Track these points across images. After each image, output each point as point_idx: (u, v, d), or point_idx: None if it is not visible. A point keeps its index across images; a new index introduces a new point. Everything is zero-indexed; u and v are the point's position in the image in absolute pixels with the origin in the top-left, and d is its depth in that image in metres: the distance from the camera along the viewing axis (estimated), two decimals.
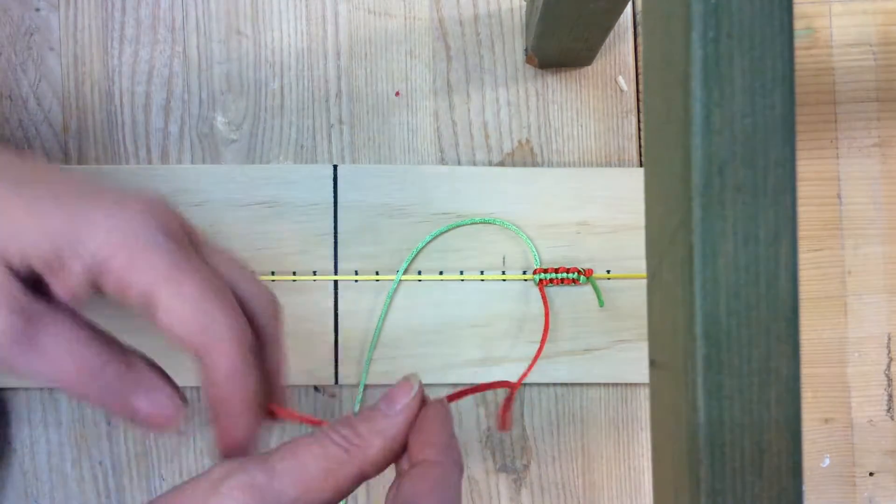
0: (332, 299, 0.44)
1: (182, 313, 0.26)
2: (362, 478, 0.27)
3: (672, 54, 0.23)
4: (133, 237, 0.25)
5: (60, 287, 0.26)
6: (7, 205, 0.25)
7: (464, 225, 0.45)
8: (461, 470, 0.27)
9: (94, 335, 0.27)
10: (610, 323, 0.45)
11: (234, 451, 0.28)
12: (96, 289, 0.26)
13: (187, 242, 0.27)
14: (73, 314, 0.27)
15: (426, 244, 0.44)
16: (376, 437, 0.27)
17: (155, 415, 0.28)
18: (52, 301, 0.26)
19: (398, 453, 0.28)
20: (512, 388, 0.33)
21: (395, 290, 0.44)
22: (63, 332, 0.26)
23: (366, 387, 0.45)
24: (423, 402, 0.28)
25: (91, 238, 0.25)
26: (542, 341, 0.44)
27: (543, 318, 0.44)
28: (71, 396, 0.28)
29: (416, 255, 0.44)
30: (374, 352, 0.44)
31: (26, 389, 0.44)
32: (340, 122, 0.47)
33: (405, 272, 0.44)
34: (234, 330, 0.27)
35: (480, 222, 0.45)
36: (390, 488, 0.28)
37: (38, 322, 0.26)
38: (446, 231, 0.45)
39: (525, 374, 0.43)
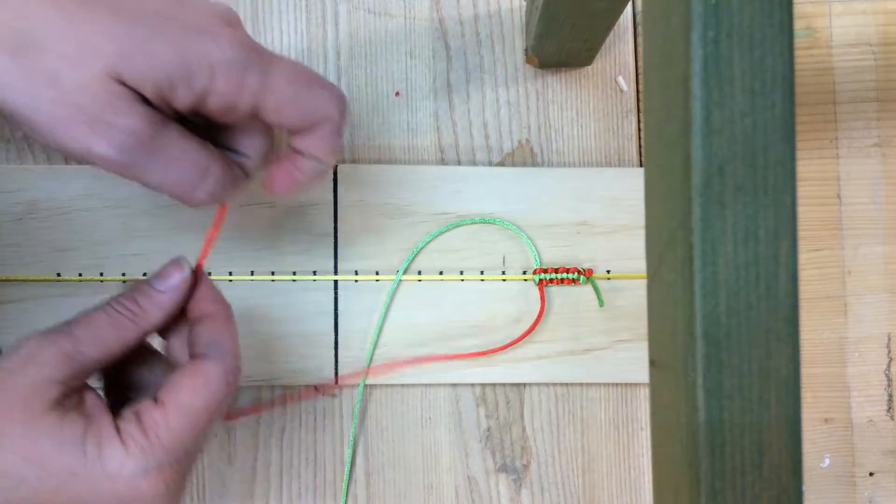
0: (332, 299, 0.44)
1: (288, 111, 0.31)
2: (147, 335, 0.33)
3: (672, 54, 0.23)
4: (232, 63, 0.29)
5: (167, 108, 0.30)
6: (114, 30, 0.28)
7: (464, 225, 0.45)
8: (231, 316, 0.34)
9: (200, 142, 0.31)
10: (610, 323, 0.45)
11: (292, 189, 0.34)
12: (198, 108, 0.30)
13: (260, 48, 0.31)
14: (179, 125, 0.31)
15: (426, 244, 0.44)
16: (155, 308, 0.33)
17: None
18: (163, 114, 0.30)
19: (175, 314, 0.33)
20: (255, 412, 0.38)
21: (395, 290, 0.44)
22: (179, 140, 0.30)
23: (366, 387, 0.45)
24: (195, 277, 0.34)
25: (199, 69, 0.29)
26: (525, 333, 0.44)
27: (543, 318, 0.44)
28: (176, 198, 0.33)
29: (415, 255, 0.44)
30: (375, 352, 0.44)
31: None
32: None
33: (405, 272, 0.44)
34: (329, 110, 0.32)
35: (480, 222, 0.45)
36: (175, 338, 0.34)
37: (159, 130, 0.30)
38: (446, 231, 0.45)
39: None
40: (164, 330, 0.34)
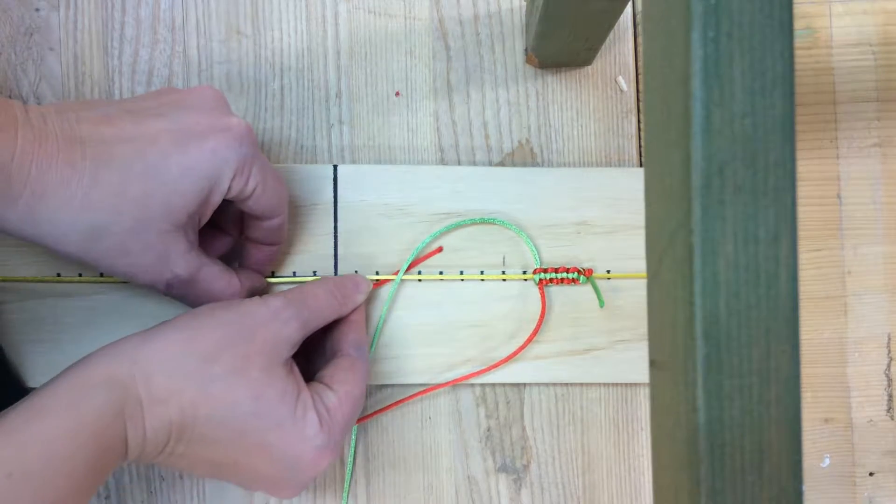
0: None
1: (267, 200, 0.38)
2: (336, 319, 0.41)
3: (672, 54, 0.23)
4: (240, 168, 0.36)
5: (202, 217, 0.37)
6: (141, 188, 0.34)
7: (464, 225, 0.45)
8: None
9: (225, 270, 0.39)
10: (610, 323, 0.45)
11: (259, 278, 0.42)
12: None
13: (253, 138, 0.37)
14: (213, 261, 0.38)
15: (426, 244, 0.44)
16: (351, 302, 0.41)
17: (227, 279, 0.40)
18: (199, 247, 0.38)
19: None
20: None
21: (396, 290, 0.44)
22: (210, 274, 0.38)
23: (366, 386, 0.45)
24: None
25: (225, 182, 0.36)
26: (530, 338, 0.44)
27: (543, 318, 0.44)
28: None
29: (416, 255, 0.44)
30: (375, 352, 0.44)
31: (27, 389, 0.44)
32: (340, 122, 0.47)
33: (405, 272, 0.44)
34: (285, 201, 0.40)
35: (480, 222, 0.45)
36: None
37: (199, 269, 0.37)
38: (446, 231, 0.45)
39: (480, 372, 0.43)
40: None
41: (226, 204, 0.38)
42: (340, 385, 0.38)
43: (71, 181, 0.33)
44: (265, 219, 0.39)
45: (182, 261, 0.36)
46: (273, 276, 0.44)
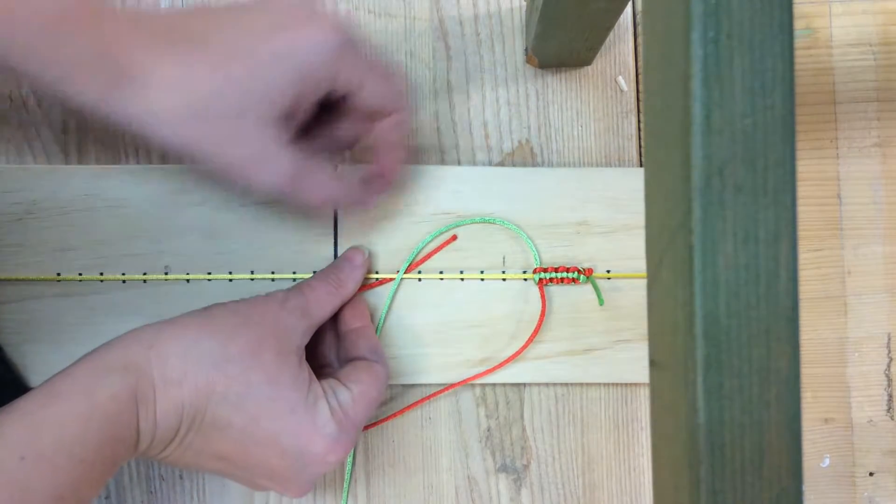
0: None
1: (375, 92, 0.37)
2: (340, 307, 0.41)
3: (672, 54, 0.23)
4: (333, 59, 0.35)
5: (303, 115, 0.37)
6: (242, 72, 0.34)
7: (464, 225, 0.45)
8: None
9: (330, 169, 0.39)
10: (610, 323, 0.45)
11: (384, 183, 0.42)
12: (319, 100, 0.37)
13: (348, 33, 0.36)
14: (317, 160, 0.38)
15: (426, 244, 0.44)
16: (350, 282, 0.42)
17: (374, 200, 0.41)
18: (305, 144, 0.37)
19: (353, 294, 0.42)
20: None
21: (396, 290, 0.44)
22: (313, 172, 0.37)
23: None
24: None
25: (322, 69, 0.35)
26: (530, 338, 0.44)
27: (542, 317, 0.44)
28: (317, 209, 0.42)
29: (416, 255, 0.44)
30: None
31: (27, 389, 0.44)
32: None
33: (405, 272, 0.44)
34: (403, 90, 0.39)
35: (480, 222, 0.45)
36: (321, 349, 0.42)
37: (306, 154, 0.37)
38: (446, 231, 0.45)
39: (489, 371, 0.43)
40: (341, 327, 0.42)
41: (343, 107, 0.38)
42: (356, 384, 0.38)
43: (175, 59, 0.33)
44: (381, 116, 0.38)
45: (282, 155, 0.36)
46: (273, 275, 0.44)
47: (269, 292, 0.39)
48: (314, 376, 0.37)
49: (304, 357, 0.37)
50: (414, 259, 0.44)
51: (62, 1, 0.32)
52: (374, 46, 0.38)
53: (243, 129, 0.35)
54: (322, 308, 0.40)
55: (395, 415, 0.44)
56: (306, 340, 0.38)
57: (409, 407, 0.45)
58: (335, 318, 0.42)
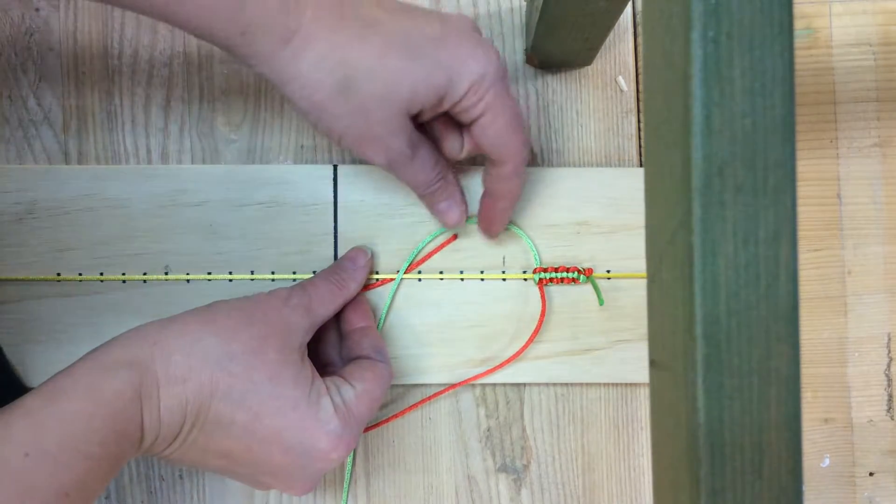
0: None
1: (495, 133, 0.38)
2: (342, 306, 0.41)
3: (672, 54, 0.23)
4: (484, 77, 0.36)
5: (427, 116, 0.38)
6: (408, 73, 0.35)
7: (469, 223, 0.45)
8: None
9: (438, 159, 0.40)
10: (610, 323, 0.45)
11: (493, 230, 0.44)
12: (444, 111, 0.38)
13: (504, 74, 0.37)
14: (429, 144, 0.39)
15: (426, 244, 0.44)
16: (353, 282, 0.42)
17: (446, 214, 0.42)
18: (418, 129, 0.39)
19: (358, 292, 0.43)
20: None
21: (396, 290, 0.44)
22: (425, 156, 0.39)
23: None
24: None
25: (461, 85, 0.36)
26: (531, 338, 0.44)
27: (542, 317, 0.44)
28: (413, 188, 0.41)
29: (416, 256, 0.44)
30: None
31: (26, 389, 0.44)
32: None
33: (405, 272, 0.44)
34: (523, 151, 0.40)
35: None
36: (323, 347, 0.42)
37: (414, 148, 0.38)
38: (446, 231, 0.45)
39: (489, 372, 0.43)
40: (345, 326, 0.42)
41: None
42: (359, 382, 0.38)
43: (340, 32, 0.35)
44: (494, 160, 0.39)
45: (408, 138, 0.38)
46: (273, 275, 0.44)
47: (272, 290, 0.39)
48: (317, 373, 0.37)
49: (306, 354, 0.37)
50: (414, 259, 0.44)
51: None
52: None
53: (385, 111, 0.36)
54: (325, 306, 0.40)
55: (396, 416, 0.44)
56: (308, 338, 0.38)
57: (409, 408, 0.45)
58: (338, 318, 0.42)
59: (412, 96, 0.36)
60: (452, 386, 0.44)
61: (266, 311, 0.37)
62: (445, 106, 0.37)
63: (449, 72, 0.36)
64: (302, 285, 0.40)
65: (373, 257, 0.44)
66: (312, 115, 0.36)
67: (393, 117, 0.36)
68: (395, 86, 0.35)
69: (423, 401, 0.45)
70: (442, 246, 0.45)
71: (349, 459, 0.44)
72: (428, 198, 0.42)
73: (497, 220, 0.43)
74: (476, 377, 0.44)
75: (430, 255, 0.44)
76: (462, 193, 0.43)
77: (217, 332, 0.35)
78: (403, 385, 0.45)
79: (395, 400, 0.45)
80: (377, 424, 0.45)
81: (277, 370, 0.35)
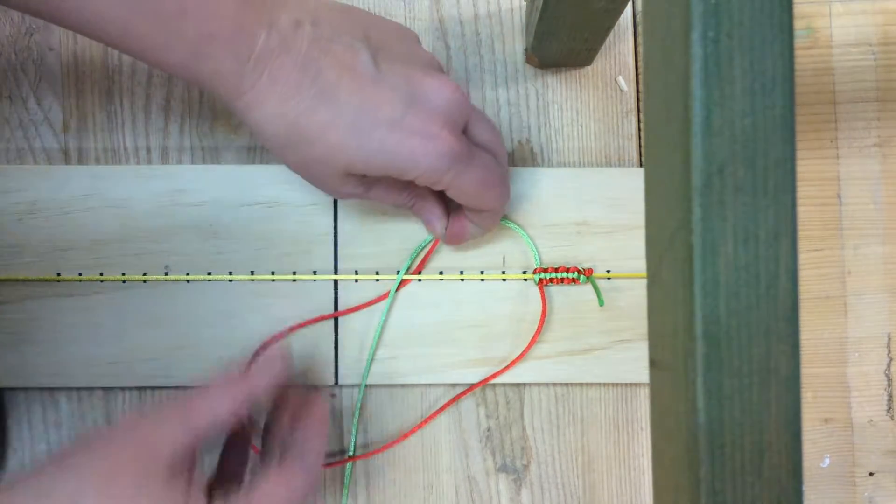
0: (333, 299, 0.44)
1: (467, 200, 0.39)
2: (243, 401, 0.35)
3: (672, 54, 0.23)
4: (435, 169, 0.36)
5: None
6: (338, 138, 0.35)
7: None
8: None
9: (401, 188, 0.40)
10: (610, 323, 0.45)
11: (457, 243, 0.43)
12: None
13: (465, 150, 0.37)
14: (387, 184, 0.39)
15: (427, 244, 0.44)
16: (260, 374, 0.36)
17: (428, 226, 0.42)
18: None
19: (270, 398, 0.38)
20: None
21: (396, 290, 0.44)
22: (386, 187, 0.39)
23: (366, 386, 0.45)
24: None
25: (408, 170, 0.36)
26: (533, 339, 0.44)
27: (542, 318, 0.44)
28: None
29: (416, 255, 0.44)
30: (376, 353, 0.44)
31: (25, 389, 0.44)
32: None
33: (406, 272, 0.44)
34: (499, 205, 0.41)
35: None
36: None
37: (368, 186, 0.39)
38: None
39: (494, 375, 0.43)
40: (264, 425, 0.38)
41: None
42: (259, 495, 0.34)
43: (291, 100, 0.35)
44: (470, 204, 0.40)
45: (358, 182, 0.38)
46: (273, 275, 0.44)
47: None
48: (196, 488, 0.33)
49: (185, 469, 0.33)
50: (412, 263, 0.44)
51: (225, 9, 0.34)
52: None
53: (325, 173, 0.37)
54: (210, 407, 0.34)
55: (399, 439, 0.44)
56: (191, 450, 0.33)
57: (412, 431, 0.45)
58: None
59: (348, 168, 0.36)
60: (455, 398, 0.44)
61: (125, 436, 0.33)
62: (396, 178, 0.37)
63: (395, 160, 0.36)
64: (187, 394, 0.35)
65: (289, 357, 0.38)
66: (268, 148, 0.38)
67: (335, 176, 0.37)
68: (332, 159, 0.36)
69: (426, 421, 0.45)
70: (433, 248, 0.44)
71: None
72: (409, 211, 0.42)
73: (465, 239, 0.43)
74: (480, 383, 0.44)
75: (427, 254, 0.44)
76: (443, 206, 0.42)
77: (67, 482, 0.32)
78: (403, 385, 0.45)
79: (396, 399, 0.45)
80: (384, 448, 0.45)
81: (132, 499, 0.32)
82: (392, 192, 0.40)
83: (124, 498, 0.32)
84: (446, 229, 0.42)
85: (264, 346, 0.43)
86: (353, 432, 0.44)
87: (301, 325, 0.44)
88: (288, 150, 0.36)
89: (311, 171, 0.38)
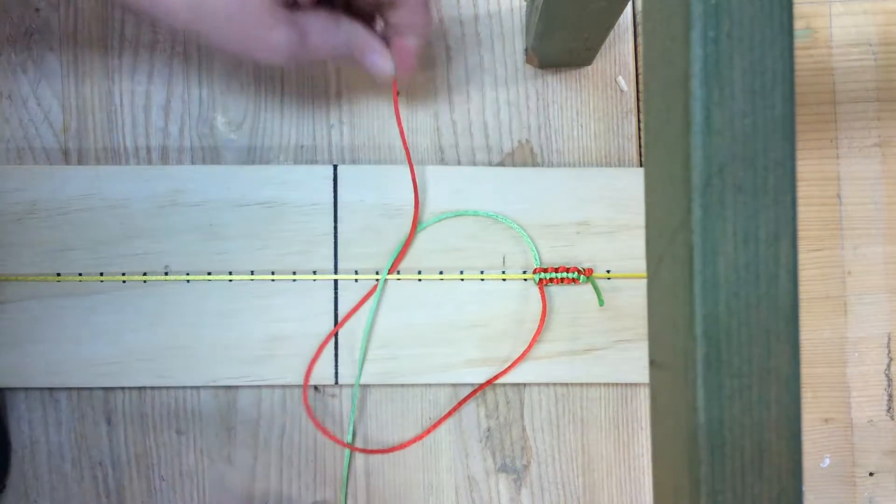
0: (333, 299, 0.44)
1: None
2: None
3: (672, 54, 0.23)
4: None
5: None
6: None
7: (465, 215, 0.45)
8: None
9: (336, 26, 0.38)
10: (610, 323, 0.45)
11: (407, 69, 0.40)
12: None
13: None
14: (317, 12, 0.37)
15: (424, 228, 0.44)
16: None
17: (375, 68, 0.39)
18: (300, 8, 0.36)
19: None
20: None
21: (395, 290, 0.44)
22: (320, 33, 0.37)
23: (366, 387, 0.45)
24: None
25: None
26: (533, 339, 0.44)
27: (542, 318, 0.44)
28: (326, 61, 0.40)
29: (407, 253, 0.44)
30: (375, 352, 0.44)
31: (26, 389, 0.44)
32: (340, 121, 0.47)
33: (403, 272, 0.44)
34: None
35: (473, 215, 0.45)
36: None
37: (302, 26, 0.36)
38: (445, 219, 0.44)
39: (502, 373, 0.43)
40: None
41: None
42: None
43: None
44: (386, 8, 0.38)
45: (289, 34, 0.36)
46: (273, 275, 0.44)
47: None
48: None
49: None
50: (397, 255, 0.44)
51: None
52: None
53: (241, 2, 0.34)
54: None
55: (404, 445, 0.44)
56: None
57: (417, 438, 0.45)
58: None
59: None
60: (459, 404, 0.44)
61: None
62: None
63: None
64: None
65: None
66: (185, 30, 0.36)
67: (259, 7, 0.35)
68: None
69: (430, 429, 0.45)
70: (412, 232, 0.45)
71: (346, 458, 0.44)
72: (354, 60, 0.39)
73: (413, 59, 0.40)
74: (484, 384, 0.44)
75: (407, 242, 0.44)
76: (380, 40, 0.39)
77: None
78: (403, 385, 0.45)
79: (396, 399, 0.45)
80: (388, 450, 0.45)
81: None
82: (329, 34, 0.37)
83: None
84: (392, 60, 0.39)
85: None
86: (352, 432, 0.44)
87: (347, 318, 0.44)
88: (198, 6, 0.34)
89: (232, 21, 0.35)
